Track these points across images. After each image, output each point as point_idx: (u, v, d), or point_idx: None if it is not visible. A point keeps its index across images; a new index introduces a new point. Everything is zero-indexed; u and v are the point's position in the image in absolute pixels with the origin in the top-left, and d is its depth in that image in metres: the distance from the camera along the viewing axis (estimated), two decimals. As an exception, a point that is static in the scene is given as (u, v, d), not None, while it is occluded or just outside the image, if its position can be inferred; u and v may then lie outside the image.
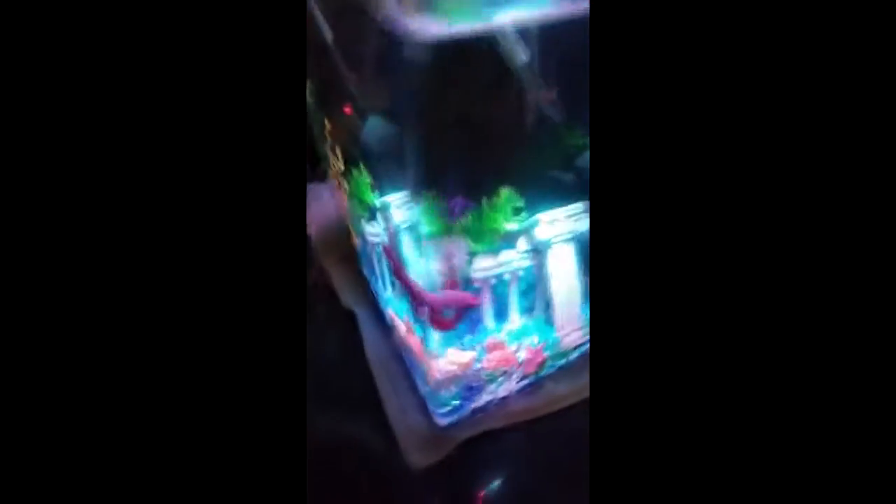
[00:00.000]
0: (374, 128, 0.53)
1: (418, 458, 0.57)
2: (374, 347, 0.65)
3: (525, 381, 0.60)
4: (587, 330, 0.60)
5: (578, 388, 0.61)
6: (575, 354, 0.62)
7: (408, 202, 0.48)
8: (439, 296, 0.47)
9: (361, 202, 0.57)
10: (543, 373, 0.61)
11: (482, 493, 0.57)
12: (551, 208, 0.52)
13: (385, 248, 0.52)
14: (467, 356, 0.53)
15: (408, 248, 0.50)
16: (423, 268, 0.45)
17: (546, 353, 0.58)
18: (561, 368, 0.62)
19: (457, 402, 0.57)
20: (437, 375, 0.51)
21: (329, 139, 0.60)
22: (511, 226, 0.53)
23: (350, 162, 0.56)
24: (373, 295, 0.69)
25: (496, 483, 0.57)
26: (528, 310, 0.56)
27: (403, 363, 0.63)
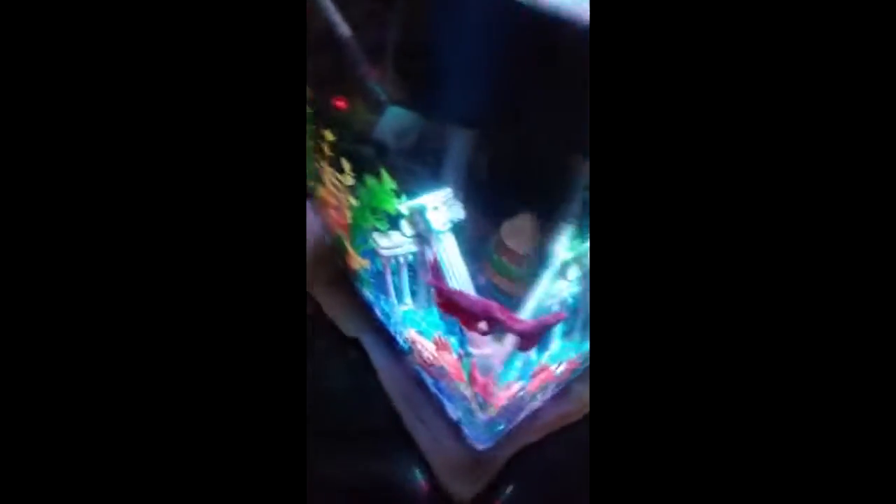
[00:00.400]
0: (395, 119, 0.49)
1: (462, 488, 0.52)
2: (390, 374, 0.59)
3: (556, 389, 0.58)
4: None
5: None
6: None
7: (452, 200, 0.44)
8: (531, 321, 0.43)
9: (376, 212, 0.52)
10: (572, 377, 0.59)
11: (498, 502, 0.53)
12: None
13: (431, 265, 0.48)
14: (515, 387, 0.50)
15: (453, 253, 0.46)
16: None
17: (579, 362, 0.56)
18: (587, 369, 0.60)
19: (501, 428, 0.53)
20: (504, 402, 0.47)
21: (329, 152, 0.55)
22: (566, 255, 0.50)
23: (365, 168, 0.51)
24: (379, 318, 0.63)
25: (509, 490, 0.53)
26: (567, 333, 0.54)
27: (426, 388, 0.58)
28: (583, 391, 0.59)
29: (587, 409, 0.58)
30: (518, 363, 0.48)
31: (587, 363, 0.59)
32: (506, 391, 0.47)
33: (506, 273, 0.52)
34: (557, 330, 0.52)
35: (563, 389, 0.59)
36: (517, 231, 0.51)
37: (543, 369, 0.51)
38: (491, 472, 0.53)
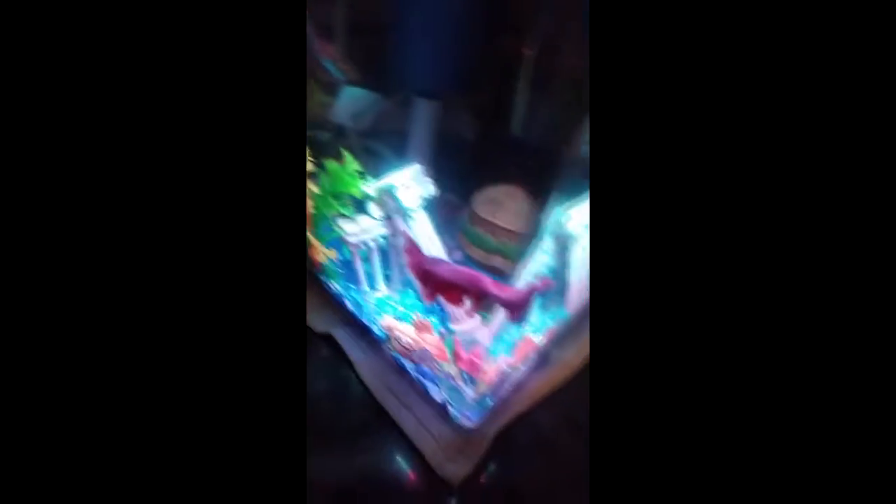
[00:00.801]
0: (352, 99, 0.47)
1: (456, 469, 0.51)
2: (368, 366, 0.58)
3: (535, 358, 0.58)
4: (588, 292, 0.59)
5: (582, 346, 0.60)
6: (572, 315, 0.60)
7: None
8: (521, 290, 0.42)
9: (340, 197, 0.50)
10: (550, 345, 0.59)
11: (482, 478, 0.52)
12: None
13: (407, 247, 0.46)
14: (501, 361, 0.49)
15: (426, 231, 0.45)
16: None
17: (556, 329, 0.57)
18: (564, 335, 0.60)
19: (490, 403, 0.53)
20: (495, 377, 0.47)
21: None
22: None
23: (325, 153, 0.49)
24: (350, 309, 0.61)
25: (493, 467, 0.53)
26: (544, 305, 0.54)
27: (407, 373, 0.57)
28: (561, 355, 0.60)
29: (568, 373, 0.59)
30: (505, 336, 0.48)
31: (565, 328, 0.60)
32: (493, 366, 0.47)
33: (481, 244, 0.52)
34: (536, 302, 0.52)
35: (543, 357, 0.59)
36: (490, 200, 0.51)
37: (526, 342, 0.52)
38: (482, 448, 0.52)
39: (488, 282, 0.40)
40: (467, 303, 0.42)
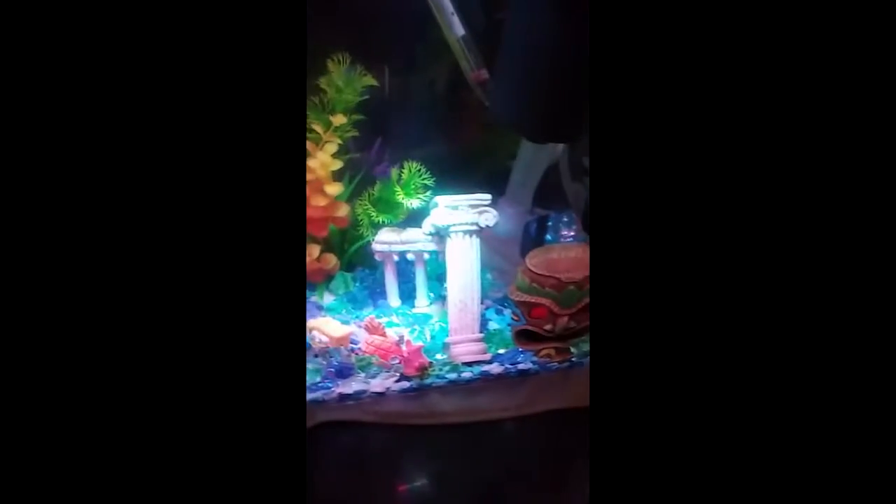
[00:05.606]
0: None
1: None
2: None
3: (407, 384, 0.53)
4: (485, 347, 0.56)
5: (467, 409, 0.52)
6: (471, 373, 0.54)
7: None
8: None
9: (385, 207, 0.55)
10: (429, 381, 0.53)
11: (403, 488, 0.50)
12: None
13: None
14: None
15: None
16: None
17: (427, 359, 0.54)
18: (452, 383, 0.54)
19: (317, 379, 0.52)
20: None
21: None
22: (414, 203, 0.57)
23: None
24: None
25: (420, 483, 0.50)
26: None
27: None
28: (437, 402, 0.54)
29: (431, 420, 0.53)
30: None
31: (451, 374, 0.56)
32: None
33: (528, 290, 0.54)
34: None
35: (418, 391, 0.54)
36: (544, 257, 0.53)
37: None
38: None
39: None
40: None
